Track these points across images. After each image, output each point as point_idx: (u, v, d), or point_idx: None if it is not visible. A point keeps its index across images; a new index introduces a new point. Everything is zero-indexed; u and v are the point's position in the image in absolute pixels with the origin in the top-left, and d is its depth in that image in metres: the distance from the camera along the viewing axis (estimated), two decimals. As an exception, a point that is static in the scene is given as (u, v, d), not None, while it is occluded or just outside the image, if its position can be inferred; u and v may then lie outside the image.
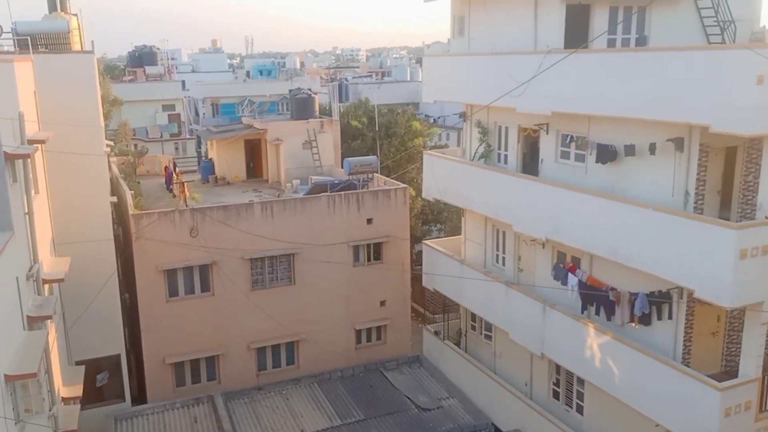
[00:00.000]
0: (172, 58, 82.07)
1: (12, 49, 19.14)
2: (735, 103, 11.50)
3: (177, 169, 27.92)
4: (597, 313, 15.71)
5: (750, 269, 12.03)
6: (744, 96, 11.40)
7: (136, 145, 38.75)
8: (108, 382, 20.51)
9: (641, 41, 16.32)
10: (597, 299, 15.60)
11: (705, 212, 13.58)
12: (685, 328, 14.04)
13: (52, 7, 22.52)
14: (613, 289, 15.18)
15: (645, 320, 14.55)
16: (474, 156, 20.04)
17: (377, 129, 32.55)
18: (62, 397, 15.35)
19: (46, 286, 14.82)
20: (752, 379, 13.08)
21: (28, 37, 17.88)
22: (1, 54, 18.41)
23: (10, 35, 18.81)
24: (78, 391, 16.38)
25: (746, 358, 13.19)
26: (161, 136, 50.42)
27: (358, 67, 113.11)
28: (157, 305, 20.99)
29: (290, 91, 33.90)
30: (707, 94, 12.04)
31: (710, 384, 12.85)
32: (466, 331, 22.35)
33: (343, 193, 23.02)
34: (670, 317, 14.14)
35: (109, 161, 23.15)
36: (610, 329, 15.22)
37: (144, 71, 57.81)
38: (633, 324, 14.87)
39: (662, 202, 13.75)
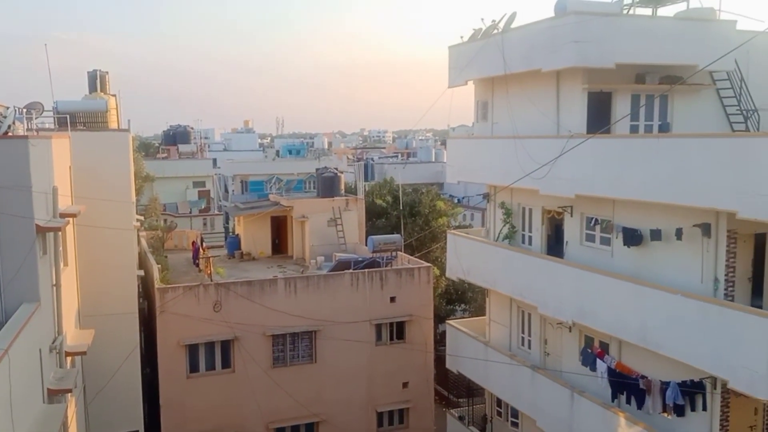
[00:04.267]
0: (205, 137, 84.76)
1: (52, 126, 19.98)
2: (762, 190, 11.43)
3: (204, 244, 28.28)
4: (628, 401, 15.15)
5: (786, 360, 11.59)
6: (771, 183, 11.33)
7: (165, 220, 39.52)
8: (124, 459, 20.08)
9: (664, 128, 16.49)
10: (627, 387, 15.07)
11: (736, 300, 13.26)
12: (721, 420, 13.44)
13: (92, 88, 23.65)
14: (643, 377, 14.69)
15: (678, 411, 13.97)
16: (498, 237, 20.03)
17: (402, 208, 32.81)
18: (76, 475, 15.02)
19: (69, 359, 14.81)
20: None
21: (67, 116, 18.68)
22: (40, 131, 19.24)
23: (51, 113, 19.66)
24: (92, 468, 16.02)
25: (787, 455, 12.52)
26: (190, 212, 51.38)
27: (384, 148, 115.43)
28: (178, 381, 20.79)
29: (317, 169, 34.61)
30: (733, 181, 12.01)
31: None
32: (491, 417, 21.63)
33: (366, 270, 23.02)
34: (704, 408, 13.57)
35: (138, 235, 23.58)
36: (642, 419, 14.62)
37: (177, 149, 59.61)
38: (666, 414, 14.28)
39: (691, 288, 13.48)
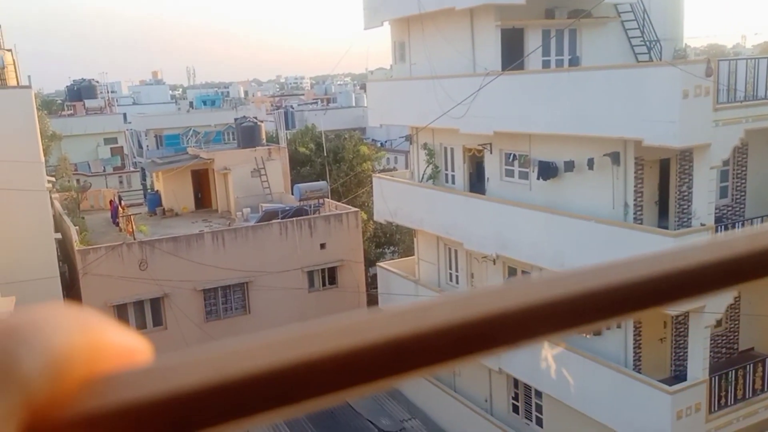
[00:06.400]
0: (112, 91, 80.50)
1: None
2: (664, 117, 12.13)
3: (123, 203, 27.40)
4: (549, 325, 16.08)
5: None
6: (671, 110, 12.04)
7: (78, 180, 37.82)
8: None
9: (574, 62, 17.03)
10: (548, 311, 15.98)
11: (644, 222, 14.18)
12: (634, 335, 14.54)
13: (-15, 44, 22.05)
14: (562, 300, 15.59)
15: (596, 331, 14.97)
16: (422, 177, 20.38)
17: (325, 155, 32.70)
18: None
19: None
20: (700, 382, 13.59)
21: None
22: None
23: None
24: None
25: (693, 362, 13.73)
26: (104, 170, 49.25)
27: (303, 95, 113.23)
28: (107, 343, 20.42)
29: (236, 120, 33.81)
30: (637, 109, 12.66)
31: (661, 388, 13.29)
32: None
33: (294, 219, 23.02)
34: (619, 326, 14.62)
35: (51, 197, 22.57)
36: (564, 340, 15.61)
37: (84, 105, 56.50)
38: (585, 334, 15.29)
39: (604, 215, 14.29)
